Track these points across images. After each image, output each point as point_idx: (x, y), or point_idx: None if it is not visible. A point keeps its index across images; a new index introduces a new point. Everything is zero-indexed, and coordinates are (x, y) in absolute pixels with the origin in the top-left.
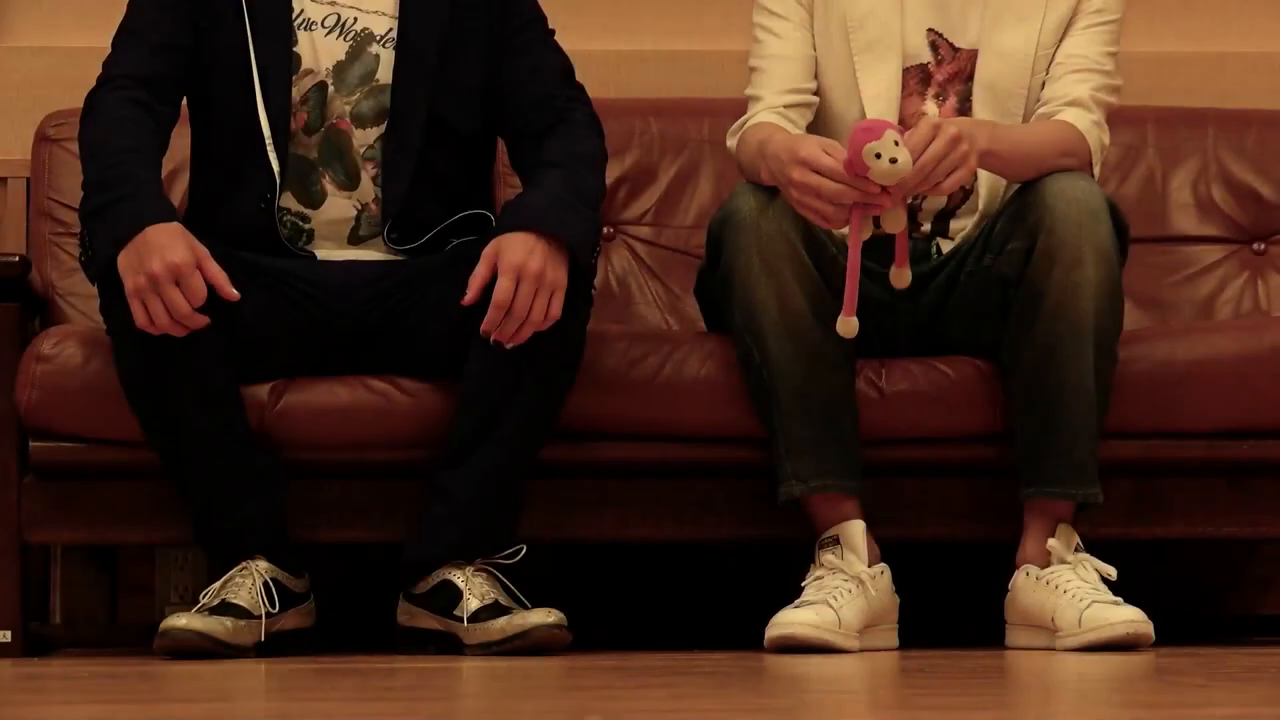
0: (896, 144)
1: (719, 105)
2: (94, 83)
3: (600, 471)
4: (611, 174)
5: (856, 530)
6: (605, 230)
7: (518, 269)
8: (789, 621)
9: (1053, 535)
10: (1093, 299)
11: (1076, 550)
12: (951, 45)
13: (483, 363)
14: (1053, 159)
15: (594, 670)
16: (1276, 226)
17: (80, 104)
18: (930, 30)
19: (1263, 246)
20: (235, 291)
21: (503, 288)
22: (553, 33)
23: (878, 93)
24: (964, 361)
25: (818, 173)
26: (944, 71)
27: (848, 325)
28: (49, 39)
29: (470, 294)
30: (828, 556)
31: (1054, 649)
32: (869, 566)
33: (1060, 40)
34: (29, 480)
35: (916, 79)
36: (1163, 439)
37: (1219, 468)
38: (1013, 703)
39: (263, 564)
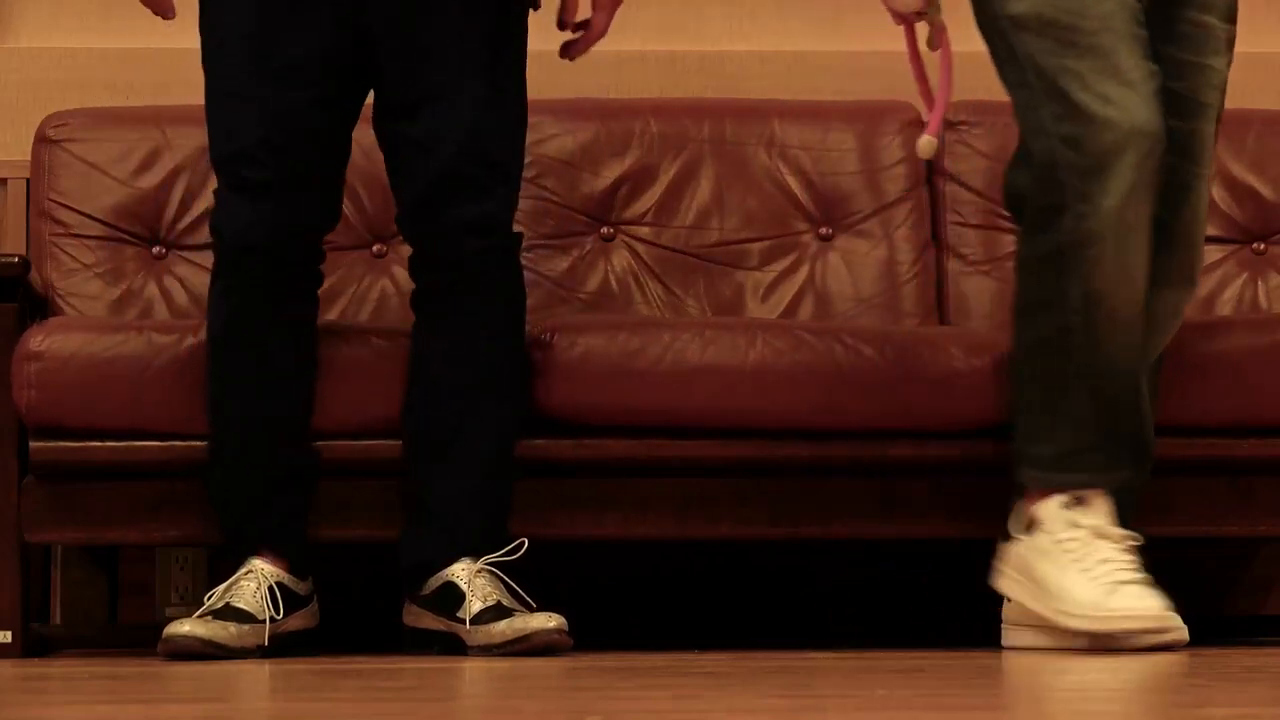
0: None
1: (719, 105)
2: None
3: (601, 470)
4: (611, 174)
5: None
6: (605, 230)
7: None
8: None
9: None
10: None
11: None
12: None
13: (431, 369)
14: None
15: (594, 671)
16: (1276, 226)
17: (80, 104)
18: None
19: (1263, 246)
20: None
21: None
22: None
23: None
24: (967, 356)
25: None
26: None
27: (928, 145)
28: (49, 39)
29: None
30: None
31: (1054, 649)
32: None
33: None
34: (29, 480)
35: None
36: (1164, 438)
37: (1220, 467)
38: (1011, 703)
39: (269, 567)
